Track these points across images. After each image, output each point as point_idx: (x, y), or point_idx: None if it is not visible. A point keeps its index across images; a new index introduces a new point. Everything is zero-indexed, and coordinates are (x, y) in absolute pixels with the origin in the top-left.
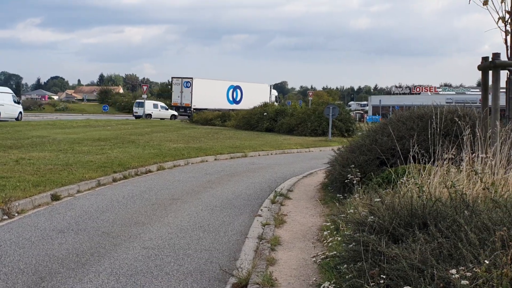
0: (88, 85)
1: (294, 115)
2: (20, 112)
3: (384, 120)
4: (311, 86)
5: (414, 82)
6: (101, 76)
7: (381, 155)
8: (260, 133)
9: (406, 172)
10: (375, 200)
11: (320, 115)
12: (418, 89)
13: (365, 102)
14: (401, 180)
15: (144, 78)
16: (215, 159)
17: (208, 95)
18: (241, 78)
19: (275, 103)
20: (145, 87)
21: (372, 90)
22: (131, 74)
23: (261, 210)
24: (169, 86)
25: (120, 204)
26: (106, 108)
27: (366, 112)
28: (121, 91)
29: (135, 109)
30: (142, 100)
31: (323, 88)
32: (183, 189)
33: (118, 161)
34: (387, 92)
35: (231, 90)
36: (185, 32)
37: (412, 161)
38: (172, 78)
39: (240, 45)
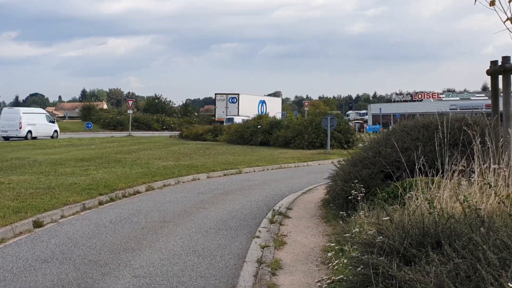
0: (69, 101)
1: (290, 127)
2: (56, 131)
3: (387, 131)
4: (307, 95)
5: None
6: (84, 92)
7: (385, 168)
8: (255, 148)
9: (414, 185)
10: (383, 218)
11: (317, 126)
12: (420, 96)
13: (365, 111)
14: (408, 194)
15: (129, 93)
16: (208, 177)
17: (248, 109)
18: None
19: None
20: (130, 102)
21: (371, 98)
22: (115, 89)
23: (259, 231)
24: (155, 100)
25: (108, 229)
26: (90, 125)
27: (366, 121)
28: (105, 106)
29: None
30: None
31: (320, 98)
32: (174, 211)
33: (104, 183)
34: (387, 99)
35: (260, 104)
36: (172, 42)
37: (418, 173)
38: (215, 94)
39: (230, 54)
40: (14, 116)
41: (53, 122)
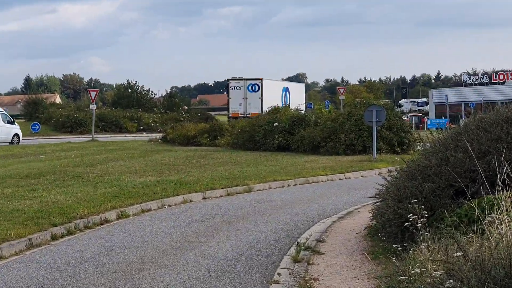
0: (8, 93)
1: (319, 124)
2: (16, 135)
3: (457, 127)
4: (342, 79)
5: (494, 67)
6: (27, 80)
7: (456, 180)
8: (270, 154)
9: (496, 205)
10: (454, 254)
11: (358, 122)
12: (501, 76)
13: (424, 99)
14: (488, 218)
15: (91, 80)
16: (204, 198)
17: (272, 100)
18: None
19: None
20: (93, 93)
21: (433, 81)
22: (71, 75)
23: (279, 273)
24: (129, 89)
25: (65, 275)
26: (37, 127)
27: (427, 114)
28: (59, 100)
29: None
30: None
31: (360, 81)
32: (158, 247)
33: (58, 209)
34: (455, 82)
35: (284, 93)
36: (149, 6)
37: (502, 188)
38: (228, 80)
39: (232, 23)
40: None
41: (12, 122)
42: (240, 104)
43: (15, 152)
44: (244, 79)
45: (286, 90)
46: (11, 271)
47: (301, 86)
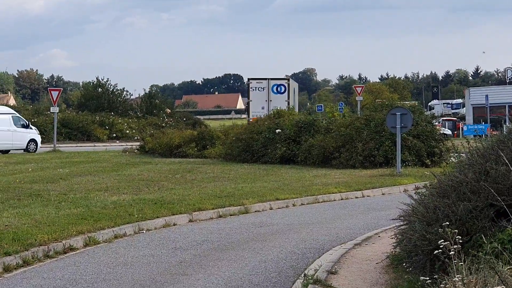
0: None
1: (331, 131)
2: (33, 140)
3: (499, 135)
4: (360, 76)
5: None
6: None
7: (497, 199)
8: (271, 167)
9: None
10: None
11: (379, 128)
12: None
13: (459, 100)
14: None
15: (52, 77)
16: (190, 220)
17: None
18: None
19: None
20: (54, 93)
21: (470, 78)
22: (28, 71)
23: None
24: (98, 89)
25: None
26: None
27: (462, 118)
28: (13, 102)
29: None
30: None
31: (381, 79)
32: (134, 280)
33: (12, 234)
34: (498, 80)
35: (294, 94)
36: None
37: None
38: (249, 79)
39: (224, 7)
40: None
41: (27, 126)
42: (263, 108)
43: None
44: (268, 79)
45: (294, 91)
46: None
47: (294, 85)
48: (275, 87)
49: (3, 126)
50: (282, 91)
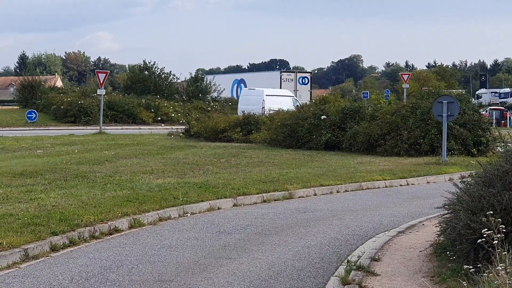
0: None
1: (376, 118)
2: None
3: None
4: (406, 63)
5: None
6: (22, 58)
7: None
8: (316, 153)
9: None
10: None
11: (425, 116)
12: None
13: (507, 90)
14: None
15: (99, 59)
16: (235, 205)
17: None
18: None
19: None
20: (101, 75)
21: None
22: (75, 53)
23: None
24: (145, 72)
25: None
26: (34, 116)
27: (510, 108)
28: (60, 83)
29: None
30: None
31: (428, 66)
32: (178, 263)
33: (59, 214)
34: None
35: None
36: None
37: None
38: (281, 72)
39: None
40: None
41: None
42: None
43: (7, 145)
44: (296, 71)
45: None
46: None
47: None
48: (301, 79)
49: (287, 107)
50: (306, 82)
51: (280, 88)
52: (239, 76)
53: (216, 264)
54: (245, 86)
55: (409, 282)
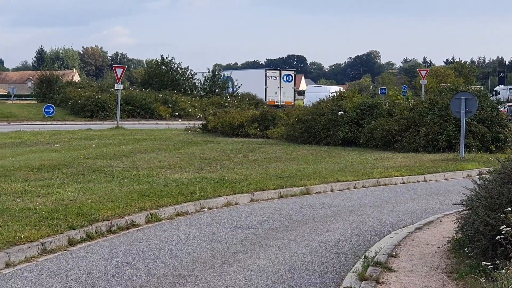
0: (17, 69)
1: (394, 114)
2: None
3: None
4: (424, 59)
5: None
6: (40, 52)
7: None
8: (333, 149)
9: None
10: None
11: (443, 112)
12: None
13: None
14: None
15: (116, 54)
16: (252, 200)
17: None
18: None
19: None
20: (119, 70)
21: None
22: (93, 48)
23: None
24: (162, 67)
25: (84, 287)
26: (51, 110)
27: None
28: (77, 78)
29: None
30: None
31: (447, 62)
32: (195, 257)
33: (76, 208)
34: None
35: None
36: None
37: None
38: (266, 70)
39: None
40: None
41: None
42: (276, 93)
43: (24, 139)
44: (280, 69)
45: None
46: (20, 281)
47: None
48: (285, 77)
49: None
50: (290, 80)
51: (265, 85)
52: (227, 73)
53: (233, 259)
54: (232, 83)
55: (426, 278)
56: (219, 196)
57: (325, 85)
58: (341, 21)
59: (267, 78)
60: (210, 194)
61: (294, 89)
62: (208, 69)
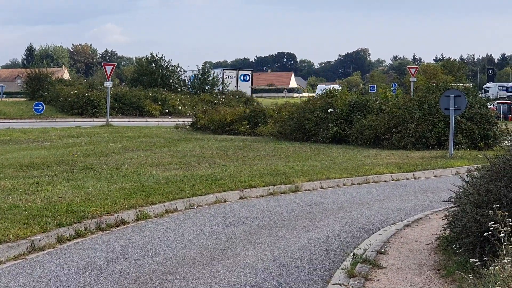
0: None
1: (383, 112)
2: None
3: None
4: (414, 56)
5: None
6: (30, 50)
7: None
8: (322, 146)
9: None
10: None
11: (432, 109)
12: None
13: None
14: None
15: (106, 52)
16: (241, 197)
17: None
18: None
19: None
20: (108, 68)
21: None
22: (83, 45)
23: None
24: (152, 64)
25: (73, 285)
26: (41, 108)
27: None
28: (67, 75)
29: None
30: None
31: (436, 60)
32: (184, 255)
33: (65, 206)
34: None
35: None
36: None
37: None
38: (223, 69)
39: None
40: None
41: None
42: None
43: (14, 137)
44: (237, 69)
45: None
46: (8, 279)
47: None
48: (242, 76)
49: None
50: (247, 79)
51: (223, 83)
52: (195, 71)
53: (222, 256)
54: (197, 80)
55: (415, 275)
56: (209, 193)
57: (335, 85)
58: (331, 18)
59: (225, 77)
60: (200, 191)
61: (251, 89)
62: (198, 66)
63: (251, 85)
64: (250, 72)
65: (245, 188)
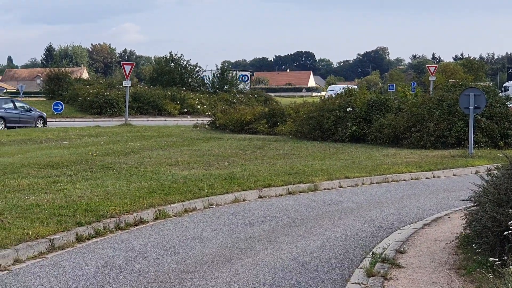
0: (26, 66)
1: (402, 110)
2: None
3: None
4: (433, 55)
5: None
6: (49, 50)
7: None
8: (341, 145)
9: None
10: None
11: (451, 108)
12: None
13: None
14: None
15: (125, 51)
16: (260, 197)
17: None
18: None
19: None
20: (127, 67)
21: None
22: (102, 45)
23: None
24: (171, 64)
25: (92, 284)
26: (60, 107)
27: None
28: (86, 75)
29: None
30: None
31: (455, 59)
32: (203, 254)
33: (85, 205)
34: None
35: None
36: None
37: None
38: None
39: None
40: None
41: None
42: None
43: (33, 136)
44: (237, 70)
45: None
46: (28, 277)
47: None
48: (241, 77)
49: None
50: (246, 79)
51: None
52: (214, 71)
53: (241, 255)
54: (216, 79)
55: (434, 274)
56: (227, 192)
57: (341, 85)
58: (350, 17)
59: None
60: (218, 190)
61: (250, 89)
62: (217, 66)
63: (250, 85)
64: (249, 72)
65: (264, 187)
